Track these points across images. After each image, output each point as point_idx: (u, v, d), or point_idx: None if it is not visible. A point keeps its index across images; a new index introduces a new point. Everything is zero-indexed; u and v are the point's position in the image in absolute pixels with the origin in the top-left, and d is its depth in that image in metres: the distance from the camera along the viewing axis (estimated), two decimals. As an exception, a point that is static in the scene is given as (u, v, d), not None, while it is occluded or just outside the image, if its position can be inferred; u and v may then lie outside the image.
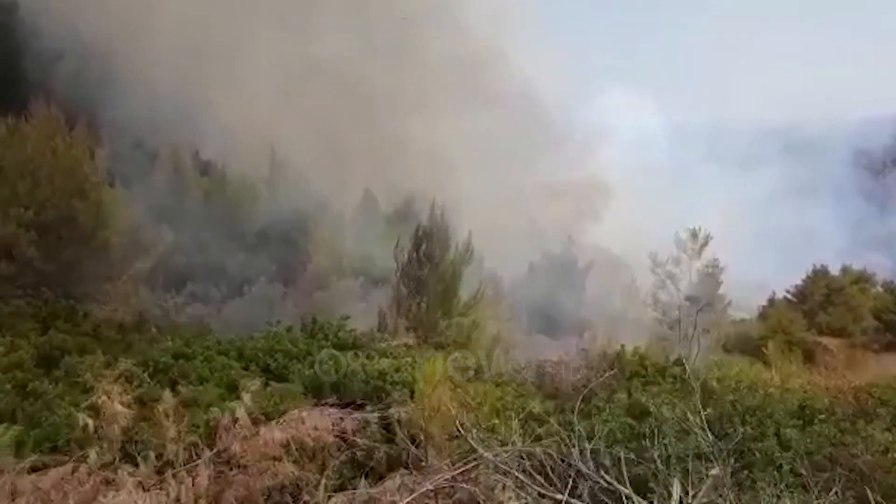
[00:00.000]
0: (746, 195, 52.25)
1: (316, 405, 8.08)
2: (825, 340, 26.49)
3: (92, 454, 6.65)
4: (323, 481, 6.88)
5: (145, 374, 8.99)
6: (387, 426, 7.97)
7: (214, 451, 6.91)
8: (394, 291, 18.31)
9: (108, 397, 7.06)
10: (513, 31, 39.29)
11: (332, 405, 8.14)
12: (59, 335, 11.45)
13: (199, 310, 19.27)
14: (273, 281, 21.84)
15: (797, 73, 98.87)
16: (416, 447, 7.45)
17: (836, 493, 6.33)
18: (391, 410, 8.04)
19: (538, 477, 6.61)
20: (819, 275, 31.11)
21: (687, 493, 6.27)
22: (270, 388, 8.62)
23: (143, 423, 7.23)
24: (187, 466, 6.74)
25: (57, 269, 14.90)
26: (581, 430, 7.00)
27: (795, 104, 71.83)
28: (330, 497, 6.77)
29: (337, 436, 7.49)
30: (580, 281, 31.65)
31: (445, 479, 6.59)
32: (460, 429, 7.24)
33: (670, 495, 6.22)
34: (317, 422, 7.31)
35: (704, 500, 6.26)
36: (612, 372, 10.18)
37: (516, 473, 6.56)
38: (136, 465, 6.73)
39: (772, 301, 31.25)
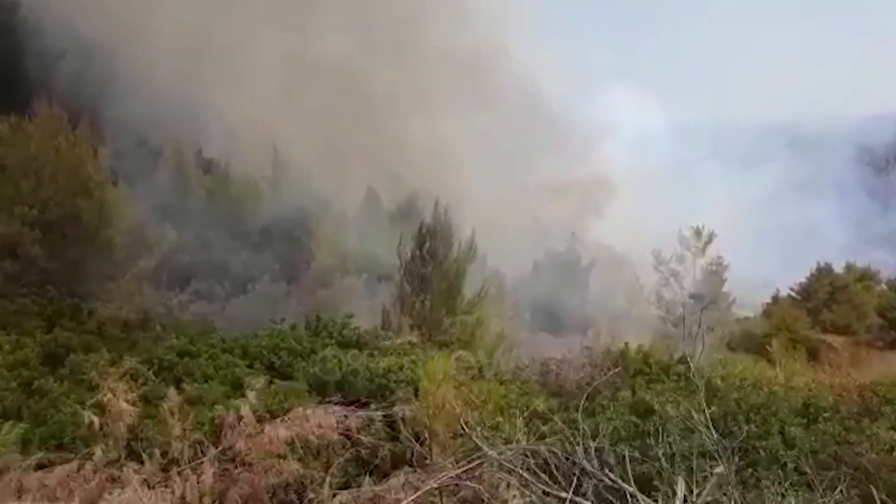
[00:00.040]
0: (749, 193, 52.09)
1: (320, 403, 8.05)
2: (829, 338, 26.42)
3: (97, 452, 6.64)
4: (327, 479, 6.88)
5: (150, 372, 8.99)
6: (391, 424, 7.96)
7: (219, 448, 6.90)
8: (397, 289, 18.32)
9: (114, 395, 7.05)
10: (514, 30, 39.29)
11: (336, 403, 8.10)
12: (64, 333, 11.49)
13: (203, 308, 19.33)
14: (277, 279, 21.86)
15: (798, 71, 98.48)
16: (420, 445, 7.44)
17: (841, 491, 6.31)
18: (395, 408, 8.01)
19: (542, 475, 6.60)
20: (823, 272, 31.04)
21: (691, 492, 6.27)
22: (275, 385, 8.60)
23: (148, 420, 7.23)
24: (192, 464, 6.73)
25: (61, 268, 14.97)
26: (585, 428, 6.98)
27: (797, 102, 71.80)
28: (335, 495, 6.76)
29: (341, 434, 7.47)
30: (583, 279, 31.65)
31: (450, 477, 6.58)
32: (464, 427, 7.23)
33: (675, 493, 6.21)
34: (321, 420, 7.28)
35: (709, 498, 6.26)
36: (615, 370, 10.15)
37: (520, 471, 6.56)
38: (142, 463, 6.72)
39: (776, 299, 31.14)
